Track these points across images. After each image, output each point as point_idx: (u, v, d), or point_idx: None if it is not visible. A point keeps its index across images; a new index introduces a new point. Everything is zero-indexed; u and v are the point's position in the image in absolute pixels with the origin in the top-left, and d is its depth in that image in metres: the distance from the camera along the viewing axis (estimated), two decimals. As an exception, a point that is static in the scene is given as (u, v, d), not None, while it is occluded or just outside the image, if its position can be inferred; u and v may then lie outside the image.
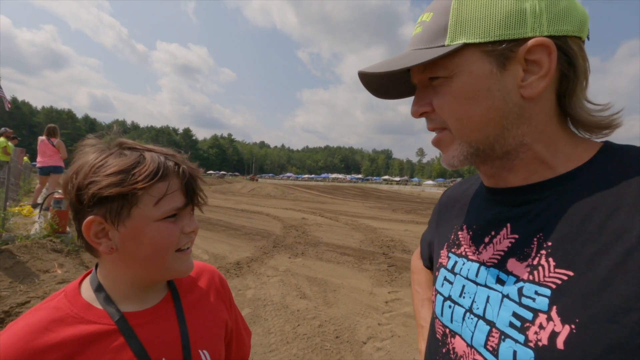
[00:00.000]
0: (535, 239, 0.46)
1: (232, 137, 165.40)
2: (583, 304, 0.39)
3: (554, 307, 0.41)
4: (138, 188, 0.55)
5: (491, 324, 0.48)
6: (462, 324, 0.53)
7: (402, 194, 33.15)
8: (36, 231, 4.75)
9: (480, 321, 0.50)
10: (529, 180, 0.50)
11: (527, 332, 0.42)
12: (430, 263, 0.85)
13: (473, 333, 0.50)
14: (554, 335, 0.40)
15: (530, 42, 0.43)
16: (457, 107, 0.48)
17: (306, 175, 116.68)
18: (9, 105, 10.39)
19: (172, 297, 0.67)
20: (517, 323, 0.44)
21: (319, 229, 8.72)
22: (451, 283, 0.58)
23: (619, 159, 0.45)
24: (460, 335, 0.53)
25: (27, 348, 0.51)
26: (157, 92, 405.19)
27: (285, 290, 4.15)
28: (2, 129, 8.74)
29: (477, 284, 0.53)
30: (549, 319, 0.41)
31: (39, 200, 6.79)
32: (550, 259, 0.43)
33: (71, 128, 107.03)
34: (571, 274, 0.41)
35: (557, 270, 0.42)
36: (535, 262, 0.45)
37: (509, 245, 0.50)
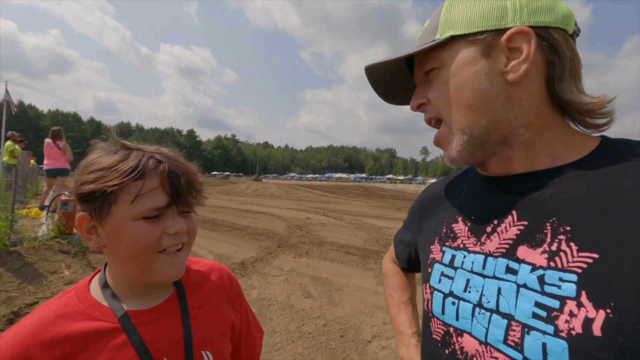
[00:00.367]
0: (547, 224, 0.46)
1: (236, 138, 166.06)
2: (615, 285, 0.37)
3: (583, 292, 0.39)
4: (109, 185, 0.55)
5: (508, 317, 0.45)
6: (472, 320, 0.50)
7: (406, 193, 33.05)
8: (44, 233, 4.81)
9: (495, 315, 0.47)
10: (533, 168, 0.51)
11: (556, 322, 0.40)
12: (409, 264, 0.83)
13: (487, 329, 0.48)
14: (588, 322, 0.38)
15: (510, 31, 0.47)
16: (447, 94, 0.52)
17: (310, 175, 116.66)
18: (15, 109, 10.52)
19: (178, 296, 0.67)
20: (542, 313, 0.42)
21: (323, 228, 8.73)
22: (451, 278, 0.56)
23: (623, 149, 0.47)
24: (469, 333, 0.51)
25: (35, 341, 0.53)
26: (161, 94, 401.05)
27: (290, 289, 4.16)
28: (9, 132, 8.86)
29: (484, 276, 0.51)
30: (580, 305, 0.39)
31: (46, 203, 6.87)
32: (572, 244, 0.42)
33: (77, 131, 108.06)
34: (596, 256, 0.40)
35: (580, 254, 0.41)
36: (554, 248, 0.44)
37: (518, 232, 0.49)
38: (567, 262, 0.42)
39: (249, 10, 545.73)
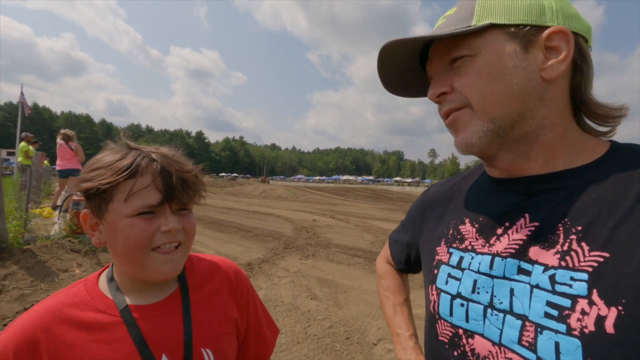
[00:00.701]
0: (560, 225, 0.46)
1: (244, 140, 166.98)
2: (626, 283, 0.38)
3: (594, 291, 0.39)
4: (103, 183, 0.57)
5: (523, 317, 0.45)
6: (484, 321, 0.50)
7: (414, 196, 32.80)
8: (56, 232, 4.92)
9: (509, 316, 0.47)
10: (548, 169, 0.51)
11: (568, 321, 0.40)
12: (407, 265, 0.82)
13: (502, 330, 0.47)
14: (600, 319, 0.38)
15: (551, 28, 0.48)
16: (481, 83, 0.50)
17: (317, 177, 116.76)
18: (29, 111, 10.79)
19: (181, 293, 0.67)
20: (554, 312, 0.42)
21: (329, 230, 8.72)
22: (458, 279, 0.55)
23: (633, 153, 0.48)
24: (481, 335, 0.50)
25: (41, 326, 0.56)
26: (170, 96, 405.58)
27: (296, 291, 4.17)
28: (24, 133, 9.09)
29: (492, 276, 0.51)
30: (591, 303, 0.39)
31: (59, 202, 7.01)
32: (583, 243, 0.43)
33: (89, 132, 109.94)
34: (607, 255, 0.41)
35: (591, 253, 0.42)
36: (565, 248, 0.44)
37: (529, 233, 0.49)
38: (579, 261, 0.42)
39: (258, 13, 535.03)
